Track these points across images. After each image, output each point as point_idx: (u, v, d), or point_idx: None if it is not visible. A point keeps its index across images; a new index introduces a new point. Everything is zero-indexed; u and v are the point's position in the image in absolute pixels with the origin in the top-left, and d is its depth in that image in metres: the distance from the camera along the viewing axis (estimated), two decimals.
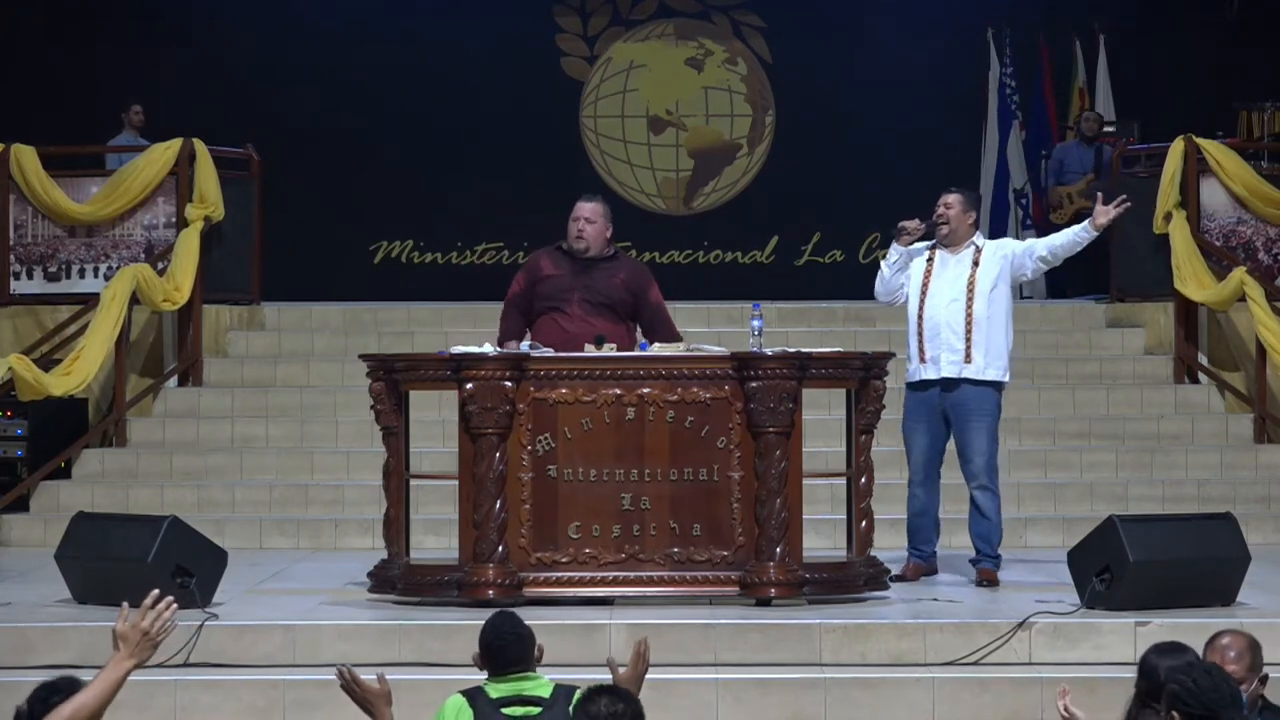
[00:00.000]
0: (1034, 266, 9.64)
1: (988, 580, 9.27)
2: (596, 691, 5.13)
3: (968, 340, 9.35)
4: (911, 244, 9.56)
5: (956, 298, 9.41)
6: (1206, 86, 16.67)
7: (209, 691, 7.75)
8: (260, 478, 11.87)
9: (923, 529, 9.50)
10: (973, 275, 9.44)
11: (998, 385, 9.44)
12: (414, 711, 6.71)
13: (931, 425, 9.43)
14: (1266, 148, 15.40)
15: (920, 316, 9.47)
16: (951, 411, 9.38)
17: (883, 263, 9.64)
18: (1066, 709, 5.45)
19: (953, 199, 9.59)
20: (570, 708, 5.74)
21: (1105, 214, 9.43)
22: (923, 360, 9.37)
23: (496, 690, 5.78)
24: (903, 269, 9.56)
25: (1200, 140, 13.25)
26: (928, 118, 17.17)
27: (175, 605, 4.86)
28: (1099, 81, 17.18)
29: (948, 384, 9.35)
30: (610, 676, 5.71)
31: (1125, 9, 17.37)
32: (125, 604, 4.86)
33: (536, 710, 5.73)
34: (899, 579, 9.17)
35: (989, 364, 9.36)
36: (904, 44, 17.40)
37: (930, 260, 9.53)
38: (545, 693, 5.79)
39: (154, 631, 4.76)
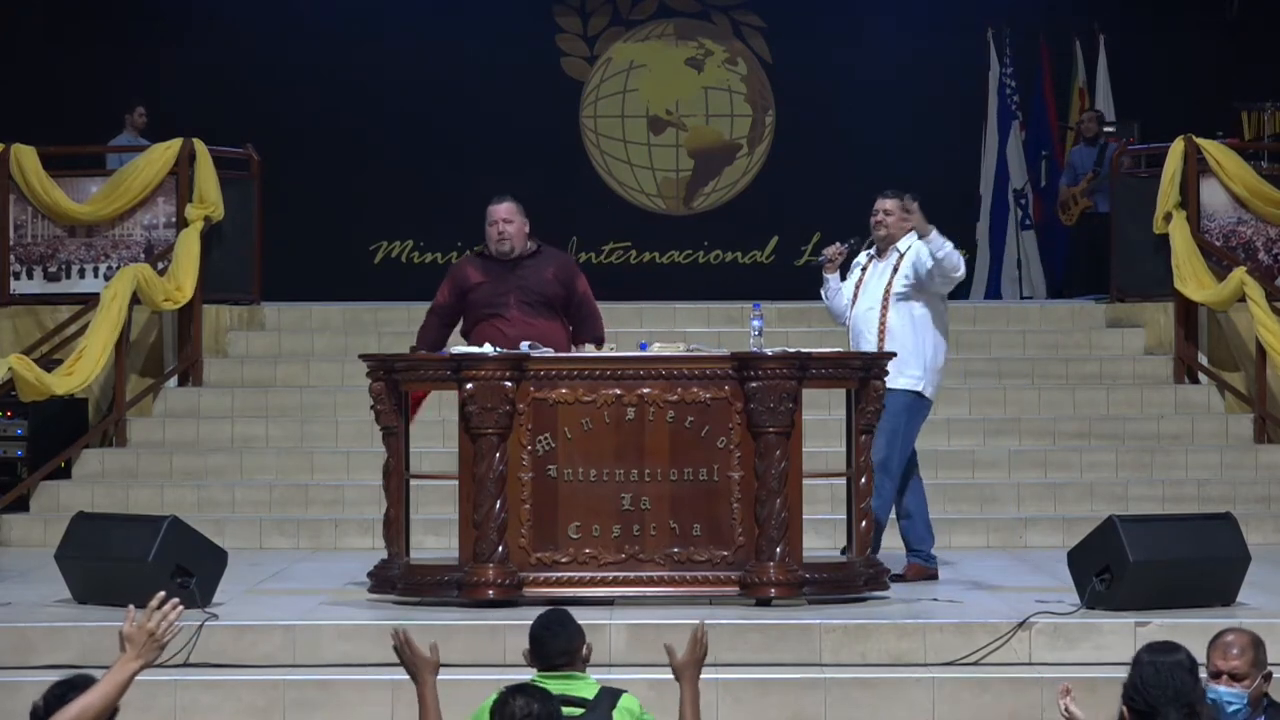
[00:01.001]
0: (927, 280, 9.38)
1: None
2: (512, 692, 5.13)
3: (880, 348, 9.27)
4: (838, 269, 9.55)
5: (872, 305, 9.42)
6: (1206, 86, 16.69)
7: (209, 691, 7.74)
8: (260, 478, 11.87)
9: (910, 530, 9.46)
10: (889, 282, 9.42)
11: (910, 393, 9.32)
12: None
13: None
14: (1266, 148, 15.40)
15: (849, 323, 9.53)
16: None
17: (822, 291, 9.65)
18: (1067, 709, 5.44)
19: (890, 205, 9.52)
20: (613, 711, 5.75)
21: (918, 226, 9.25)
22: None
23: None
24: (839, 292, 9.56)
25: (1200, 140, 13.24)
26: (928, 118, 17.19)
27: (181, 607, 4.89)
28: (1099, 81, 17.19)
29: None
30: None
31: (1125, 9, 17.38)
32: (131, 606, 4.89)
33: (579, 711, 5.72)
34: (898, 579, 9.16)
35: (898, 372, 9.17)
36: (904, 44, 17.42)
37: (864, 269, 9.55)
38: (590, 694, 5.79)
39: (159, 633, 4.80)
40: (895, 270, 9.41)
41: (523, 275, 9.35)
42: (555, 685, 5.76)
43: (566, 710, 5.68)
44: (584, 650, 5.92)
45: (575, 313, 9.46)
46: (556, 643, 5.88)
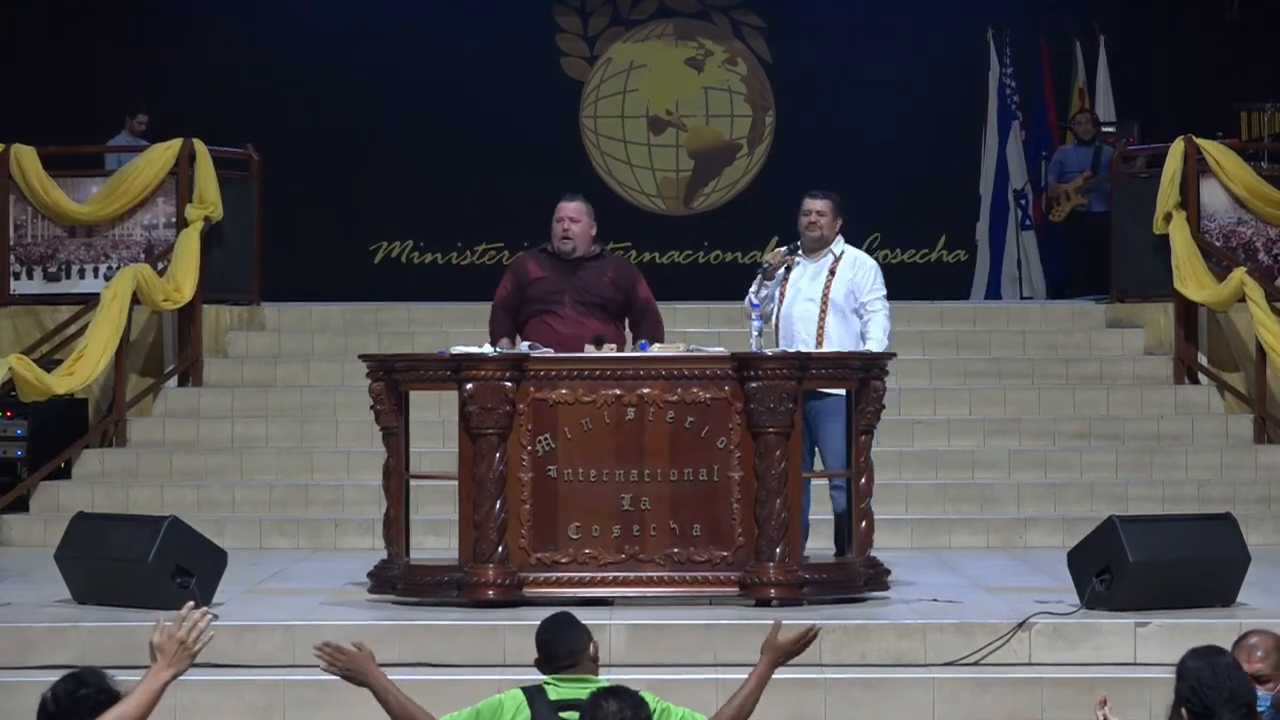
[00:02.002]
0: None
1: None
2: (605, 694, 5.13)
3: (818, 348, 9.20)
4: (778, 271, 9.51)
5: (809, 307, 9.39)
6: (1206, 86, 16.68)
7: (209, 691, 7.74)
8: (260, 478, 11.86)
9: None
10: (828, 286, 9.41)
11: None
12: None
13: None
14: (1266, 148, 15.39)
15: (778, 322, 9.46)
16: (808, 414, 9.21)
17: (750, 292, 9.55)
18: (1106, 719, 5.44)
19: (822, 205, 9.53)
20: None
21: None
22: None
23: (556, 692, 5.75)
24: (771, 299, 9.49)
25: (1200, 140, 13.24)
26: (928, 118, 17.17)
27: (210, 615, 4.91)
28: (1099, 81, 17.18)
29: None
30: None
31: (1125, 9, 17.37)
32: (160, 616, 4.91)
33: None
34: None
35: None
36: (904, 44, 17.41)
37: (789, 268, 9.50)
38: None
39: (190, 641, 4.83)
40: (833, 274, 9.41)
41: (582, 276, 9.35)
42: (569, 689, 5.75)
43: (565, 716, 5.67)
44: (592, 650, 5.91)
45: (638, 318, 9.48)
46: (562, 644, 5.87)
